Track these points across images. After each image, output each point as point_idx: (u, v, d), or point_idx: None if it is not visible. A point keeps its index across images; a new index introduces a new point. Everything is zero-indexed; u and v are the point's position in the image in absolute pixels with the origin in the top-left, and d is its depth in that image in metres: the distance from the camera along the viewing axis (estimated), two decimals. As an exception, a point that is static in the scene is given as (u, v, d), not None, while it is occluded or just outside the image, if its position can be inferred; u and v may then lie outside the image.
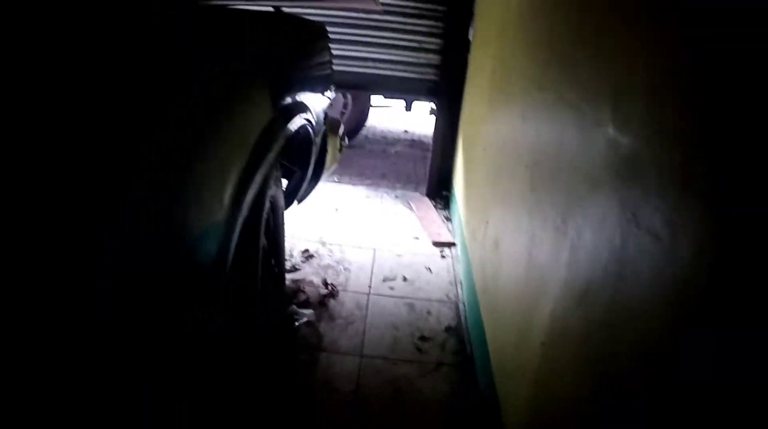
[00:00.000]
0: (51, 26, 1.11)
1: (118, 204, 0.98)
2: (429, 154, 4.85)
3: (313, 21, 2.76)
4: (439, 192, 4.64)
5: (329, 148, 2.81)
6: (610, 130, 1.17)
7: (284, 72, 1.88)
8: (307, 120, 2.06)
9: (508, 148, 2.31)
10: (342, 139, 3.13)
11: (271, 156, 1.53)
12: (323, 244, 3.54)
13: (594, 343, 1.17)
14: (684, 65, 0.89)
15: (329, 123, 2.82)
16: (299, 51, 2.21)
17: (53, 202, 0.93)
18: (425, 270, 3.36)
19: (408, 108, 7.47)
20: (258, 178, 1.42)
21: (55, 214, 0.93)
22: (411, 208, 4.35)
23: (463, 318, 2.84)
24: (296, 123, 1.88)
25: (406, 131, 7.71)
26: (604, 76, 1.27)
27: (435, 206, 4.43)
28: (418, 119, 8.20)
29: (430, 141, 4.87)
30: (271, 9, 2.70)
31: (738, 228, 0.72)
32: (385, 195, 4.66)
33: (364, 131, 6.88)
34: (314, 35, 2.56)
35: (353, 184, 4.85)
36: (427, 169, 4.82)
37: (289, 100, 1.85)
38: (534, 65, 2.00)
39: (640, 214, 0.97)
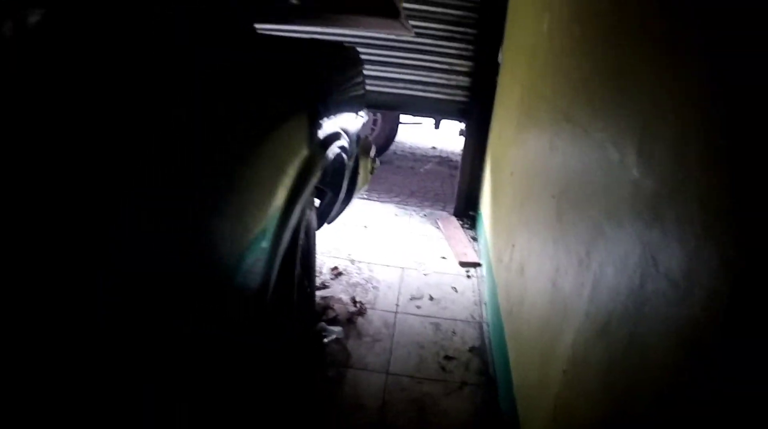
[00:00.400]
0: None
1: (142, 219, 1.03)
2: (456, 172, 4.92)
3: (347, 45, 2.84)
4: (466, 211, 4.71)
5: (361, 170, 2.88)
6: (634, 172, 1.23)
7: (323, 100, 1.96)
8: (342, 147, 2.13)
9: (536, 176, 2.37)
10: (373, 160, 3.20)
11: (310, 188, 1.60)
12: (352, 261, 3.63)
13: (614, 374, 1.23)
14: (711, 118, 0.94)
15: (361, 145, 2.90)
16: (336, 78, 2.28)
17: (63, 204, 0.96)
18: (451, 289, 3.42)
19: (436, 126, 7.58)
20: (298, 210, 1.49)
21: (61, 216, 0.96)
22: (438, 227, 4.42)
23: (487, 339, 2.90)
24: (332, 151, 1.95)
25: (434, 148, 7.79)
26: (631, 118, 1.32)
27: (462, 226, 4.50)
28: (446, 136, 8.28)
29: (458, 158, 4.94)
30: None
31: (751, 281, 0.78)
32: (413, 213, 4.74)
33: (392, 147, 6.97)
34: (349, 60, 2.64)
35: (382, 202, 4.93)
36: (455, 187, 4.88)
37: (326, 127, 1.93)
38: (563, 96, 2.05)
39: (659, 258, 1.03)
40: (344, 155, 2.25)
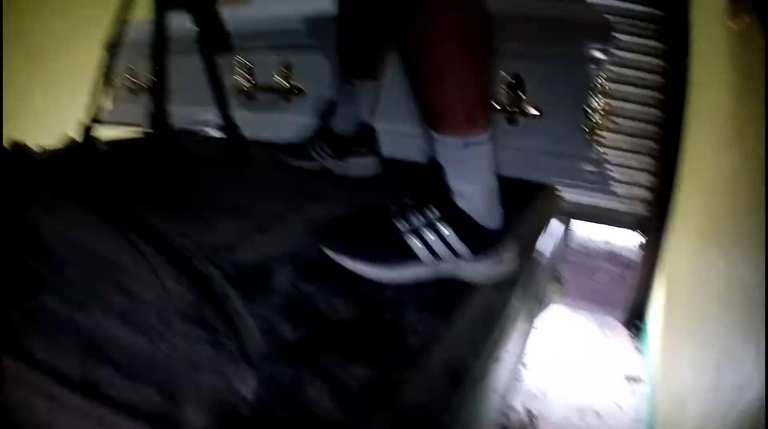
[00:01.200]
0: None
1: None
2: (626, 271, 4.96)
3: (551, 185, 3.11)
4: (633, 321, 4.78)
5: (545, 299, 3.13)
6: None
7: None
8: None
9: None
10: (560, 281, 3.43)
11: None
12: (524, 365, 3.88)
13: None
14: None
15: (552, 275, 3.15)
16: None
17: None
18: (615, 405, 3.61)
19: (611, 221, 7.62)
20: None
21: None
22: (605, 335, 4.58)
23: (643, 461, 3.07)
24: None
25: (607, 242, 7.79)
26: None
27: (628, 335, 4.62)
28: (618, 230, 8.23)
29: (631, 256, 4.98)
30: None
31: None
32: (582, 317, 4.94)
33: (565, 239, 7.10)
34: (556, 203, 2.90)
35: (554, 303, 5.11)
36: (625, 290, 4.97)
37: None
38: (742, 258, 1.99)
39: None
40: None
